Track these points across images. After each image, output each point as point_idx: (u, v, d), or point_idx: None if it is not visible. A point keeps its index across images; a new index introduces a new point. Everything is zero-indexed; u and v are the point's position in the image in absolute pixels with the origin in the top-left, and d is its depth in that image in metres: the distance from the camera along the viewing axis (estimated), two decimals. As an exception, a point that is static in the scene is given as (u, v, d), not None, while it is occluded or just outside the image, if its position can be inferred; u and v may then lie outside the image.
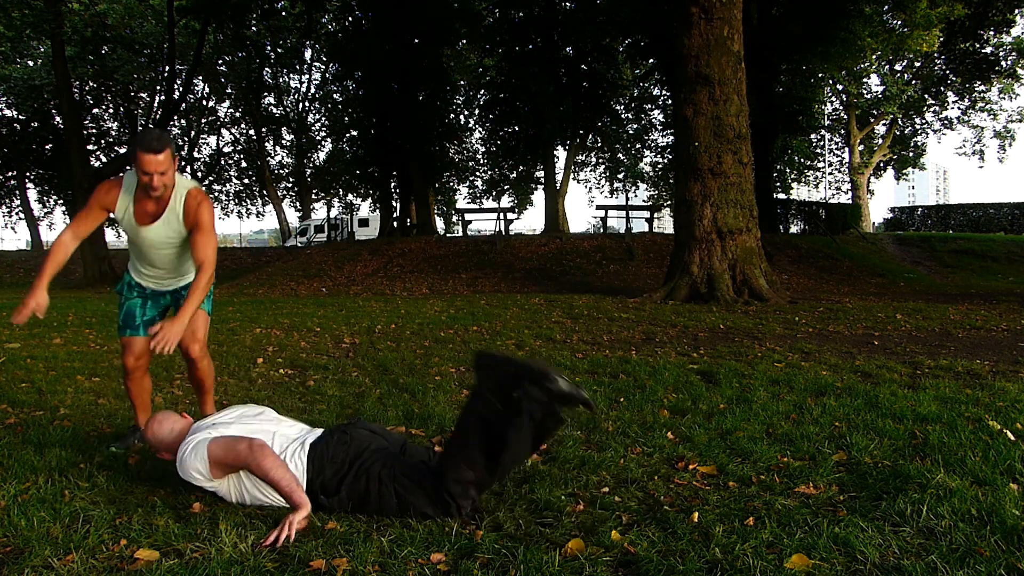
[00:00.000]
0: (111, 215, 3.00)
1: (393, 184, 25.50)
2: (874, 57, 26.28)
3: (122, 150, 30.36)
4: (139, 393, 3.26)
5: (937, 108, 33.23)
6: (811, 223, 22.61)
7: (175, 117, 28.55)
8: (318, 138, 36.24)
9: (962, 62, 29.37)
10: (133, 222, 2.97)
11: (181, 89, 22.67)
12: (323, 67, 33.18)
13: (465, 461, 2.31)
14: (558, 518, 2.28)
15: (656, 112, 30.39)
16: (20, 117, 30.08)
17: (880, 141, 34.98)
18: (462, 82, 30.55)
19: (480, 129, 30.56)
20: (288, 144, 36.78)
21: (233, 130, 36.12)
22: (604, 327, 7.33)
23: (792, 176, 31.68)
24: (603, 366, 5.01)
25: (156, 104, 30.09)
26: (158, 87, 29.51)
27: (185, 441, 2.50)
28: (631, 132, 31.55)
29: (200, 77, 30.40)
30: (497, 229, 20.93)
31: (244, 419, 2.61)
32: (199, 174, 34.84)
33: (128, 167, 3.15)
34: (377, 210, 29.54)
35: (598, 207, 22.13)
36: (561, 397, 2.30)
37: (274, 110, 35.40)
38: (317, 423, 3.42)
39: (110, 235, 32.12)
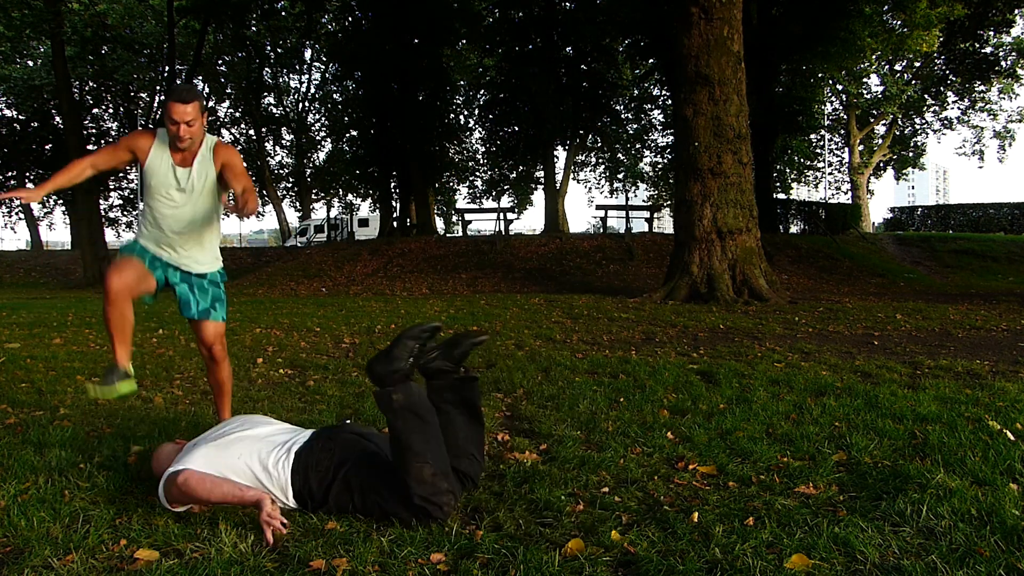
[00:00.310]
0: (136, 160, 3.01)
1: (393, 184, 25.51)
2: (874, 57, 26.28)
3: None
4: (120, 325, 2.89)
5: (937, 108, 33.25)
6: (811, 223, 22.62)
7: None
8: (318, 138, 36.28)
9: (962, 62, 29.38)
10: (171, 161, 2.99)
11: (181, 89, 22.65)
12: (323, 67, 33.26)
13: (414, 459, 2.26)
14: (558, 518, 2.28)
15: (656, 112, 30.45)
16: (20, 117, 30.12)
17: (880, 141, 34.98)
18: (462, 82, 30.57)
19: (480, 129, 30.63)
20: (288, 144, 36.84)
21: (233, 130, 36.16)
22: (604, 327, 7.33)
23: (792, 176, 31.71)
24: (603, 366, 5.01)
25: (156, 104, 30.11)
26: (158, 87, 29.53)
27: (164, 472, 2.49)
28: (631, 132, 31.57)
29: (200, 77, 30.41)
30: (497, 229, 20.94)
31: (225, 433, 2.54)
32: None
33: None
34: (377, 210, 29.55)
35: (598, 207, 22.14)
36: (452, 365, 2.67)
37: (274, 110, 35.43)
38: (317, 423, 3.42)
39: (110, 235, 32.10)
